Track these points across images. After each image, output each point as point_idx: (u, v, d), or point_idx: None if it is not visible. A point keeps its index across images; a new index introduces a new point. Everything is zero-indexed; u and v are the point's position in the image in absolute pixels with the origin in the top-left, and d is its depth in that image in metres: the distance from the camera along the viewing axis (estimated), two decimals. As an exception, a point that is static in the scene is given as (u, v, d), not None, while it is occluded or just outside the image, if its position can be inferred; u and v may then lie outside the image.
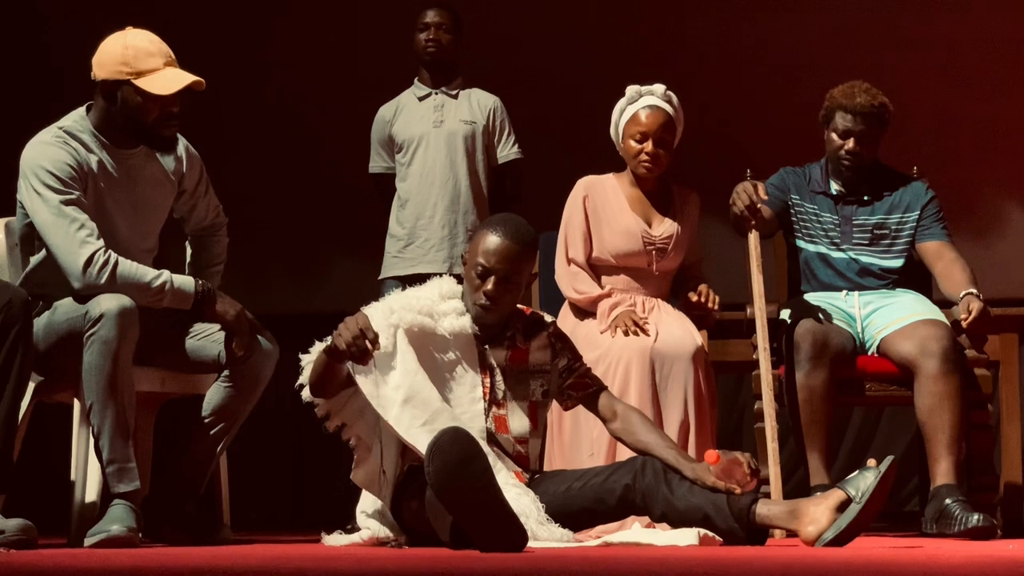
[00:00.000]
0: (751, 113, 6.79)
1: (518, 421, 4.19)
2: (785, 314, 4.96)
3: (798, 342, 4.81)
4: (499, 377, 4.19)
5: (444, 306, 4.17)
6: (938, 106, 6.70)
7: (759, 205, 4.88)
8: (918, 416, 4.79)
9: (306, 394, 4.11)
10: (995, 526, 4.59)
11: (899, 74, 6.48)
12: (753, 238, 4.90)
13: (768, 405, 4.76)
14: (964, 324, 4.75)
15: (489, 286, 4.11)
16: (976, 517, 4.52)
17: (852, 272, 5.06)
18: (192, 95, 4.38)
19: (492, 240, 4.13)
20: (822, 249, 5.08)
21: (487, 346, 4.20)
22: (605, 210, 5.05)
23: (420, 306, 4.14)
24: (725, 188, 5.00)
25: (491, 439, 4.12)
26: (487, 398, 4.16)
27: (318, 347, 4.04)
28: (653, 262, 5.03)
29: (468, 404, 4.13)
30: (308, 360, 4.07)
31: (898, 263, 5.08)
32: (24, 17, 7.06)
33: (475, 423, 4.10)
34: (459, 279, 4.28)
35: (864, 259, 5.07)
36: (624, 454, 4.39)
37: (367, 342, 3.89)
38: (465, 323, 4.16)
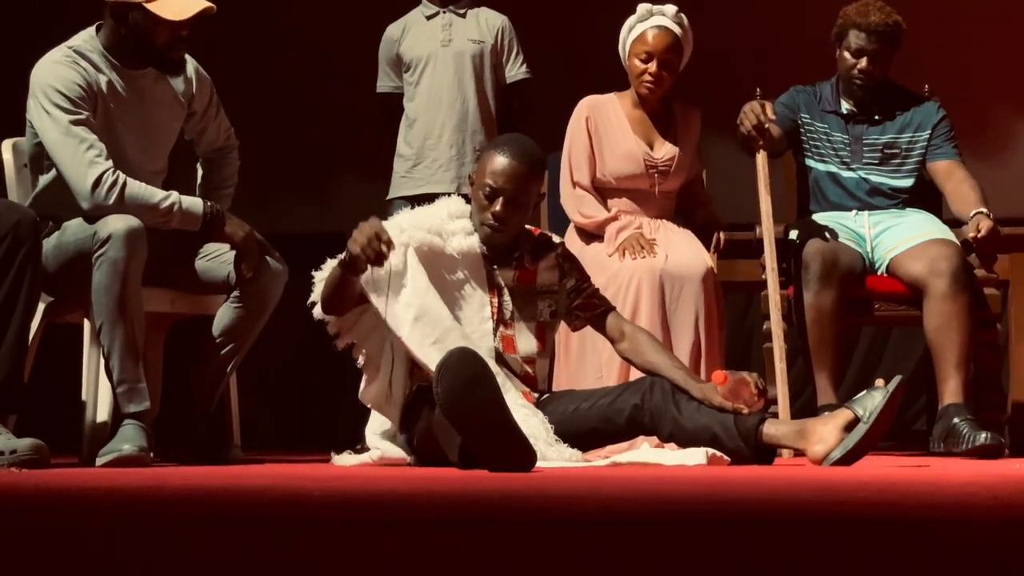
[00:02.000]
0: (760, 31, 6.74)
1: (525, 341, 4.19)
2: (794, 234, 4.95)
3: (807, 262, 4.80)
4: (507, 297, 4.19)
5: (452, 225, 4.17)
6: (950, 24, 6.64)
7: (767, 125, 4.85)
8: (927, 335, 4.79)
9: (317, 312, 4.12)
10: (1002, 444, 4.60)
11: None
12: (761, 158, 4.88)
13: (776, 325, 4.76)
14: (974, 243, 4.74)
15: (497, 207, 4.11)
16: (984, 435, 4.53)
17: (862, 192, 5.04)
18: (206, 15, 4.35)
19: (500, 160, 4.11)
20: (832, 168, 5.07)
21: (495, 266, 4.20)
22: (607, 132, 5.03)
23: (429, 224, 4.15)
24: (733, 106, 4.97)
25: (499, 359, 4.13)
26: (495, 318, 4.17)
27: (330, 264, 4.05)
28: (655, 184, 5.02)
29: (477, 323, 4.14)
30: (321, 277, 4.08)
31: (908, 182, 5.06)
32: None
33: (484, 342, 4.11)
34: (467, 199, 4.27)
35: (874, 178, 5.05)
36: (636, 377, 4.39)
37: (381, 244, 3.88)
38: (473, 242, 4.16)
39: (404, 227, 4.12)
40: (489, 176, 4.11)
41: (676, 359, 4.26)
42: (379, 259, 3.90)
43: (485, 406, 3.63)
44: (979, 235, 4.71)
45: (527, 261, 4.25)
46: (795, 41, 6.51)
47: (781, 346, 4.75)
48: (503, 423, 3.65)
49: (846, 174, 5.06)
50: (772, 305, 4.78)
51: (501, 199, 4.10)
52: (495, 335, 4.16)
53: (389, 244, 3.89)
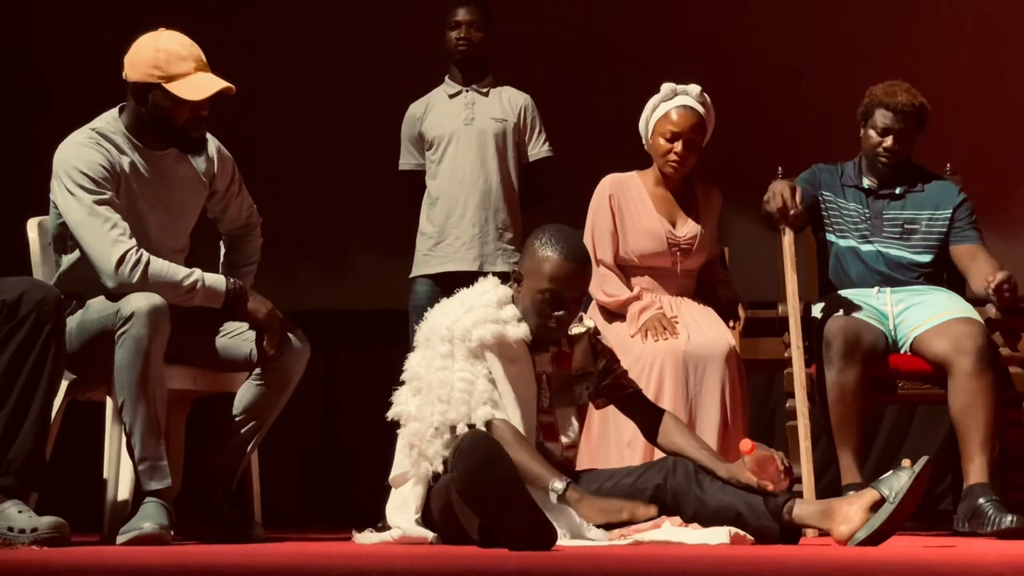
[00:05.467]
0: (781, 110, 6.77)
1: (570, 427, 4.16)
2: (817, 311, 4.95)
3: (830, 340, 4.79)
4: (545, 384, 4.16)
5: (504, 314, 4.11)
6: (971, 102, 6.66)
7: (792, 212, 4.87)
8: (952, 414, 4.77)
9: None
10: (1028, 526, 4.56)
11: (931, 71, 6.45)
12: (787, 238, 4.89)
13: (801, 404, 4.74)
14: (988, 288, 4.74)
15: (563, 313, 4.07)
16: (1010, 518, 4.50)
17: (882, 265, 5.04)
18: (226, 95, 4.38)
19: (561, 265, 4.04)
20: (852, 243, 5.07)
21: (536, 353, 4.16)
22: (630, 210, 5.04)
23: (488, 317, 4.08)
24: (755, 185, 5.00)
25: (539, 447, 4.09)
26: (537, 406, 4.14)
27: (552, 483, 3.91)
28: (677, 262, 5.03)
29: (529, 415, 4.10)
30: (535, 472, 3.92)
31: (927, 258, 5.07)
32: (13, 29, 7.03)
33: (534, 433, 4.09)
34: (502, 279, 4.24)
35: (894, 252, 5.06)
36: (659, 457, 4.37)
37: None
38: (525, 331, 4.10)
39: (469, 327, 4.05)
40: (551, 282, 4.04)
41: (701, 440, 4.23)
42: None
43: (502, 487, 3.62)
44: (993, 280, 4.72)
45: (564, 345, 4.22)
46: (815, 120, 6.53)
47: (806, 424, 4.73)
48: (521, 502, 3.63)
49: (865, 248, 5.06)
50: (797, 383, 4.76)
51: (566, 306, 4.07)
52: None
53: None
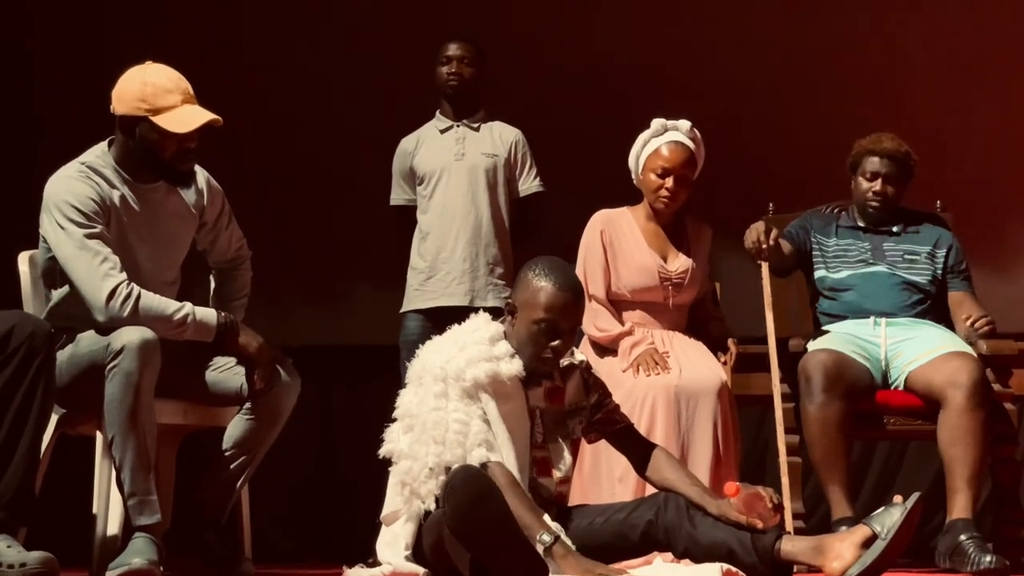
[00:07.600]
0: (772, 145, 6.78)
1: (563, 461, 4.15)
2: (809, 344, 4.98)
3: (810, 374, 4.83)
4: (538, 419, 4.15)
5: (497, 350, 4.09)
6: (962, 139, 6.69)
7: (764, 246, 4.90)
8: (940, 447, 4.78)
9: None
10: (1007, 567, 4.56)
11: (924, 107, 6.47)
12: (765, 272, 4.95)
13: (781, 441, 4.79)
14: (967, 321, 4.87)
15: (559, 343, 4.06)
16: (989, 558, 4.51)
17: (886, 284, 5.07)
18: (213, 127, 4.38)
19: (559, 296, 4.03)
20: (851, 271, 5.11)
21: (528, 388, 4.15)
22: (621, 246, 5.05)
23: (480, 355, 4.06)
24: (746, 221, 5.00)
25: (532, 483, 4.08)
26: (530, 441, 4.12)
27: (540, 534, 3.86)
28: (669, 297, 5.03)
29: (523, 451, 4.09)
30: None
31: (929, 284, 5.11)
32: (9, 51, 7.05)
33: (527, 469, 4.07)
34: (493, 314, 4.23)
35: (898, 274, 5.08)
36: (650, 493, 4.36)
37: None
38: (518, 367, 4.08)
39: (463, 367, 4.02)
40: (547, 312, 4.03)
41: (693, 476, 4.23)
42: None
43: (493, 523, 3.61)
44: (970, 318, 4.87)
45: (556, 379, 4.21)
46: (805, 156, 6.55)
47: (785, 460, 4.77)
48: (512, 537, 3.62)
49: (865, 270, 5.10)
50: (779, 422, 4.78)
51: (563, 335, 4.06)
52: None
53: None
